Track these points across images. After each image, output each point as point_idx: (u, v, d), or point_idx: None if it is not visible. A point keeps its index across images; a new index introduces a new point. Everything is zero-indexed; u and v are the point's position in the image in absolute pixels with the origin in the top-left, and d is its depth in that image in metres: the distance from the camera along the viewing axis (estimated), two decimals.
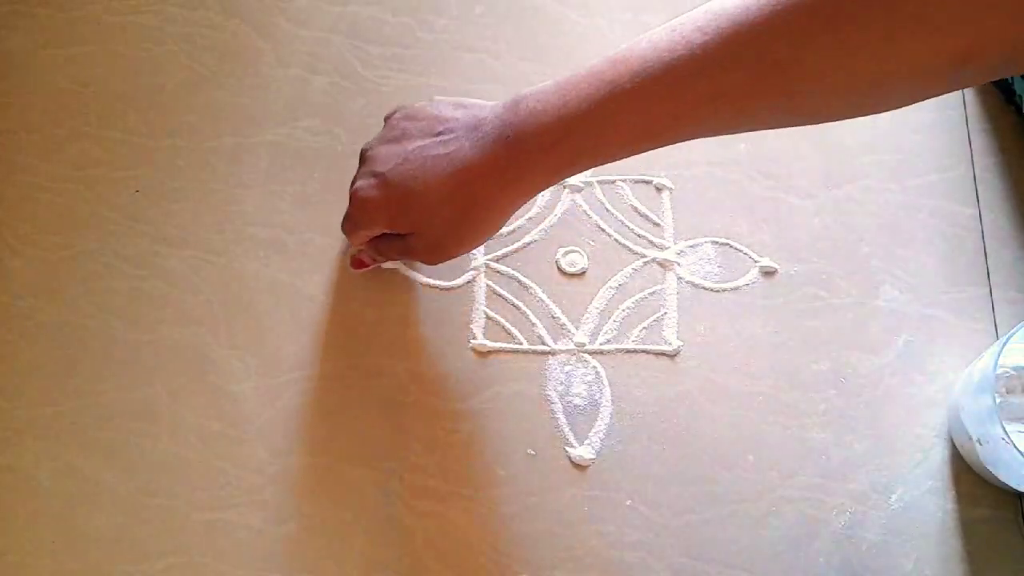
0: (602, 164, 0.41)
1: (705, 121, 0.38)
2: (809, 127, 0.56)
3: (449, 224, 0.44)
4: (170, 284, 0.52)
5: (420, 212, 0.44)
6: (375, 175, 0.45)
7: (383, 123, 0.48)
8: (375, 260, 0.51)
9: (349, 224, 0.47)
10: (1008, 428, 0.42)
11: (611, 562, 0.47)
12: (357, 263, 0.52)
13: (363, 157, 0.47)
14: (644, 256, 0.53)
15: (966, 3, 0.31)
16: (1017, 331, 0.44)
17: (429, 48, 0.58)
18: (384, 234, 0.47)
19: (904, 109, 0.57)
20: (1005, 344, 0.44)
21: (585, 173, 0.55)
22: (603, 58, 0.39)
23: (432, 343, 0.51)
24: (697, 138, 0.40)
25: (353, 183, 0.46)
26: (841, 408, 0.50)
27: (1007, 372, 0.46)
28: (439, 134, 0.43)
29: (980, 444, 0.45)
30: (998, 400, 0.43)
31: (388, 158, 0.44)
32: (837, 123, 0.56)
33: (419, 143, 0.44)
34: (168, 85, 0.57)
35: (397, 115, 0.47)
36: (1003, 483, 0.46)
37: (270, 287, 0.52)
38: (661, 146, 0.40)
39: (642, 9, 0.59)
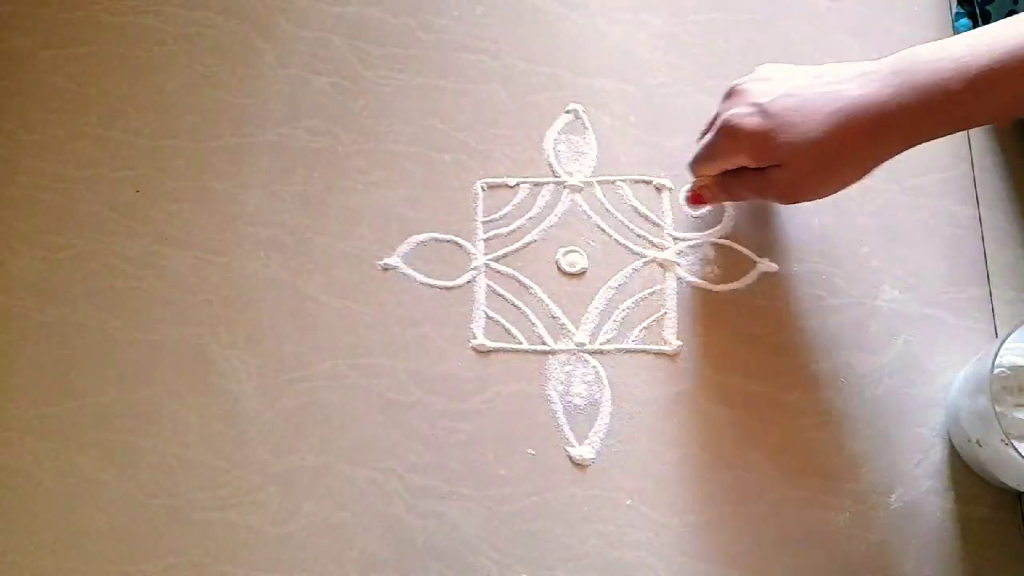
0: (987, 124, 0.41)
1: None
2: None
3: (820, 158, 0.43)
4: (170, 284, 0.52)
5: (796, 142, 0.43)
6: (753, 104, 0.44)
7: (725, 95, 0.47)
8: (717, 197, 0.50)
9: (709, 152, 0.47)
10: (1003, 423, 0.42)
11: (611, 562, 0.47)
12: (696, 198, 0.51)
13: (732, 92, 0.46)
14: (644, 256, 0.53)
15: None
16: (1013, 332, 0.44)
17: (429, 48, 0.58)
18: (738, 169, 0.47)
19: None
20: (1001, 345, 0.44)
21: (585, 173, 0.55)
22: (999, 23, 0.40)
23: (432, 343, 0.51)
24: None
25: (720, 114, 0.46)
26: (841, 408, 0.50)
27: (1003, 372, 0.46)
28: (819, 76, 0.43)
29: (980, 445, 0.45)
30: (997, 408, 0.43)
31: (767, 92, 0.44)
32: None
33: (799, 81, 0.44)
34: (168, 85, 0.57)
35: (759, 71, 0.47)
36: (1003, 483, 0.46)
37: (270, 287, 0.52)
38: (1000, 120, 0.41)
39: (642, 9, 0.59)
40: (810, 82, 0.43)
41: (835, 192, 0.45)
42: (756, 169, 0.45)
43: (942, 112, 0.40)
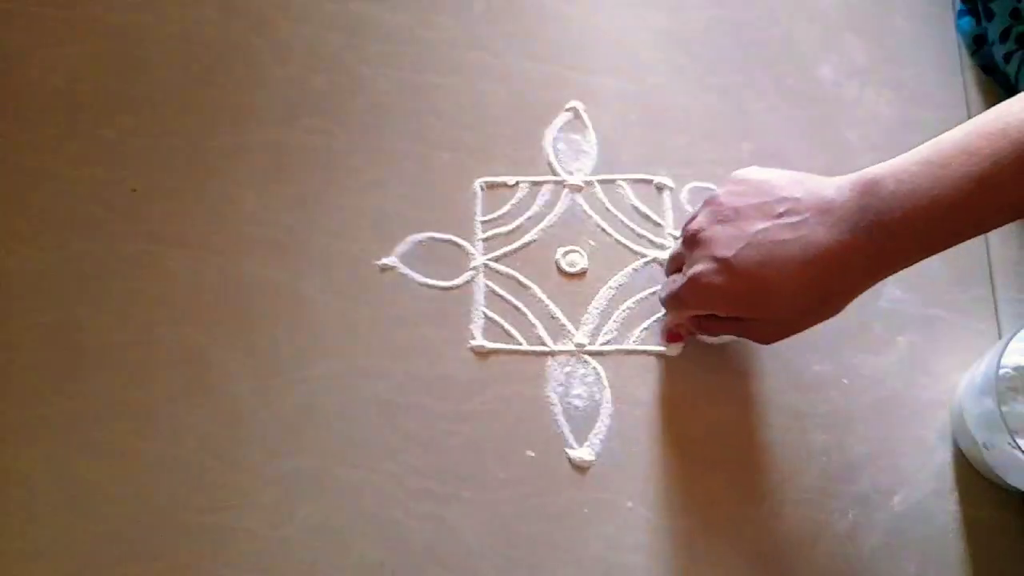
0: (975, 236, 0.39)
1: None
2: (811, 125, 0.56)
3: (801, 312, 0.42)
4: (167, 284, 0.52)
5: (771, 301, 0.42)
6: (717, 260, 0.42)
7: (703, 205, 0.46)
8: (693, 334, 0.50)
9: (676, 303, 0.46)
10: (1009, 422, 0.42)
11: (612, 564, 0.46)
12: (674, 337, 0.51)
13: (695, 239, 0.44)
14: (644, 256, 0.53)
15: None
16: (1017, 333, 0.44)
17: (429, 46, 0.58)
18: (713, 316, 0.46)
19: (906, 108, 0.57)
20: (1004, 349, 0.43)
21: (585, 172, 0.55)
22: (969, 131, 0.38)
23: (430, 344, 0.51)
24: None
25: (689, 266, 0.45)
26: (843, 409, 0.50)
27: (1008, 373, 0.46)
28: (781, 215, 0.41)
29: (986, 448, 0.45)
30: (1003, 408, 0.43)
31: (729, 241, 0.42)
32: (839, 121, 0.56)
33: (761, 225, 0.42)
34: (165, 84, 0.57)
35: (721, 194, 0.45)
36: (1011, 486, 0.46)
37: (267, 287, 0.52)
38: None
39: (642, 6, 0.59)
40: (773, 226, 0.41)
41: (809, 326, 0.44)
42: (732, 318, 0.45)
43: (917, 250, 0.39)
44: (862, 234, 0.39)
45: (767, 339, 0.46)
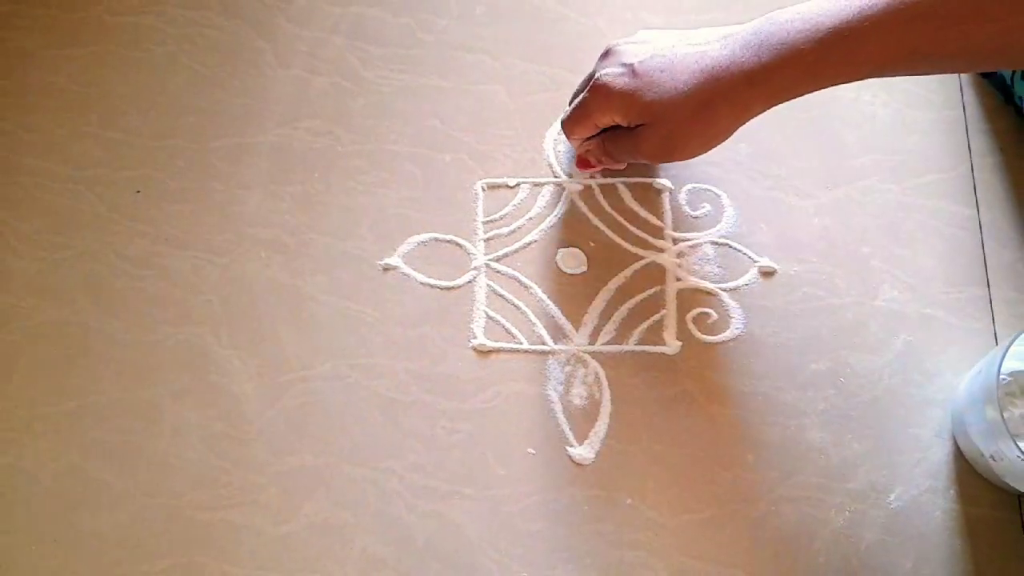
0: (849, 80, 0.42)
1: (966, 44, 0.39)
2: (809, 127, 0.56)
3: (686, 117, 0.45)
4: (171, 284, 0.52)
5: (661, 100, 0.45)
6: (624, 65, 0.46)
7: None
8: (600, 161, 0.52)
9: (581, 112, 0.49)
10: (1011, 428, 0.42)
11: (611, 562, 0.47)
12: (583, 163, 0.53)
13: (607, 52, 0.48)
14: (644, 257, 0.53)
15: None
16: (1014, 339, 0.44)
17: (429, 48, 0.58)
18: (613, 130, 0.49)
19: (903, 109, 0.57)
20: (1004, 356, 0.43)
21: (584, 174, 0.55)
22: None
23: (432, 343, 0.51)
24: (951, 70, 0.43)
25: (593, 74, 0.48)
26: (840, 408, 0.50)
27: (1005, 379, 0.46)
28: (688, 39, 0.46)
29: (994, 460, 0.45)
30: (1005, 415, 0.43)
31: (637, 52, 0.46)
32: (836, 123, 0.57)
33: (668, 43, 0.46)
34: (168, 85, 0.57)
35: (637, 34, 0.49)
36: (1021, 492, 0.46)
37: (270, 287, 0.52)
38: (909, 72, 0.42)
39: (641, 8, 0.59)
40: (678, 44, 0.46)
41: (702, 152, 0.47)
42: (629, 129, 0.48)
43: (797, 71, 0.42)
44: (750, 51, 0.43)
45: (658, 153, 0.48)
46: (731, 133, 0.46)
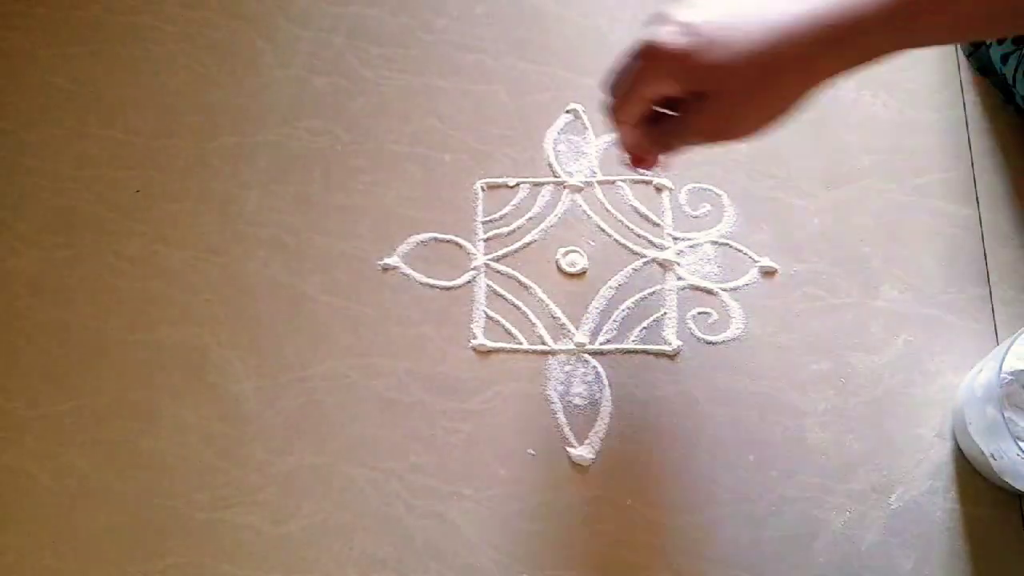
0: (923, 46, 0.38)
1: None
2: (809, 127, 0.56)
3: (751, 83, 0.38)
4: (170, 284, 0.52)
5: (726, 63, 0.38)
6: (681, 23, 0.39)
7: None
8: (652, 153, 0.45)
9: (623, 80, 0.41)
10: (1013, 429, 0.42)
11: (611, 561, 0.47)
12: (637, 160, 0.45)
13: (656, 15, 0.40)
14: (644, 256, 0.53)
15: None
16: (1015, 339, 0.44)
17: (429, 48, 0.58)
18: (660, 118, 0.41)
19: (904, 109, 0.57)
20: (1004, 356, 0.43)
21: (584, 173, 0.55)
22: None
23: (432, 343, 0.51)
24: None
25: (649, 37, 0.39)
26: (841, 408, 0.50)
27: (1006, 378, 0.46)
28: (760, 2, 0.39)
29: (994, 459, 0.45)
30: (1006, 415, 0.43)
31: (695, 12, 0.39)
32: (837, 123, 0.57)
33: (736, 4, 0.39)
34: (168, 85, 0.57)
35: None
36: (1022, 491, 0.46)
37: (270, 287, 0.52)
38: (1015, 30, 0.38)
39: (641, 9, 0.59)
40: (748, 4, 0.39)
41: (764, 127, 0.40)
42: (676, 117, 0.41)
43: (878, 28, 0.36)
44: (823, 8, 0.37)
45: (718, 128, 0.40)
46: (802, 103, 0.39)
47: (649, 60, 0.39)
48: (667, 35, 0.39)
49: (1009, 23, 0.37)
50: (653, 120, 0.42)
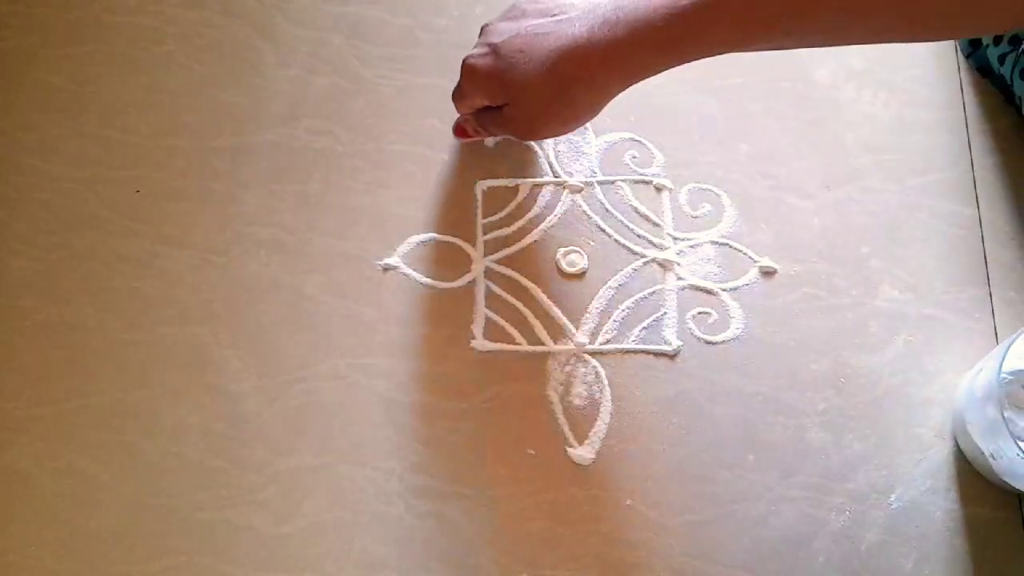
0: (705, 57, 0.42)
1: (818, 19, 0.39)
2: (809, 127, 0.56)
3: (546, 98, 0.45)
4: (170, 284, 0.52)
5: (518, 81, 0.45)
6: (488, 45, 0.47)
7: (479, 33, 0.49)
8: (476, 132, 0.53)
9: (457, 91, 0.50)
10: (1012, 429, 0.42)
11: (611, 562, 0.47)
12: (460, 131, 0.54)
13: (482, 31, 0.49)
14: (644, 256, 0.53)
15: None
16: (1015, 339, 0.44)
17: (429, 48, 0.58)
18: (487, 107, 0.49)
19: (904, 109, 0.57)
20: (1004, 355, 0.43)
21: (584, 172, 0.55)
22: None
23: (432, 343, 0.51)
24: (808, 44, 0.42)
25: (469, 54, 0.48)
26: (840, 408, 0.50)
27: (1006, 378, 0.46)
28: (555, 15, 0.45)
29: (994, 459, 0.45)
30: (1006, 415, 0.43)
31: (503, 32, 0.46)
32: (836, 123, 0.57)
33: (535, 21, 0.46)
34: (168, 85, 0.57)
35: (514, 5, 0.49)
36: (1021, 491, 0.46)
37: (270, 287, 0.52)
38: (767, 47, 0.41)
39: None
40: (544, 21, 0.45)
41: (568, 130, 0.48)
42: (499, 107, 0.48)
43: (650, 49, 0.42)
44: (607, 28, 0.42)
45: (525, 130, 0.49)
46: (595, 112, 0.46)
47: (467, 79, 0.48)
48: (477, 59, 0.47)
49: (778, 42, 0.41)
50: (486, 108, 0.49)
